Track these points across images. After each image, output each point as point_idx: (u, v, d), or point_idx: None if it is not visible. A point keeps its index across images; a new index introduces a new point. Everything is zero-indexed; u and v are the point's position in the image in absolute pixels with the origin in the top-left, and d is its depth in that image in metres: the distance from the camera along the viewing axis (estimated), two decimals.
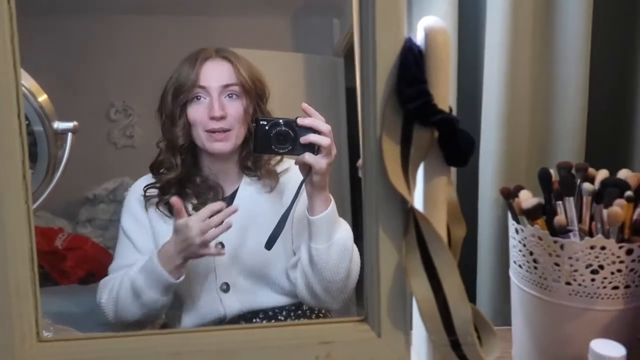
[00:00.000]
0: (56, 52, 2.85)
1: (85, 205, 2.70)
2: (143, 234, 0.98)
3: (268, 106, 1.03)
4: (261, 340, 0.45)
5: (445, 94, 0.47)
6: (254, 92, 0.98)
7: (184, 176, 0.96)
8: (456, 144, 0.45)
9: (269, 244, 0.85)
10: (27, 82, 0.66)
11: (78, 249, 2.20)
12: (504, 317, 0.81)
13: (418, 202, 0.47)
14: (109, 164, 2.97)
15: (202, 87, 0.95)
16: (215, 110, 0.93)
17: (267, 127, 0.85)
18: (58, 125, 0.64)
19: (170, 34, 3.13)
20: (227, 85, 0.96)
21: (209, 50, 0.99)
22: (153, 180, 1.00)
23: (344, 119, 3.46)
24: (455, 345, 0.44)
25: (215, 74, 0.95)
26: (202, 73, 0.95)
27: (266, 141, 0.85)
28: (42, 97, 0.66)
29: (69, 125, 0.64)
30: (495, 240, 0.83)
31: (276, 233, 0.86)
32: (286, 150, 0.85)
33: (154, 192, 0.98)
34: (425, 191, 0.48)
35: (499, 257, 0.83)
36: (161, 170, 0.98)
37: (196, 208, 0.96)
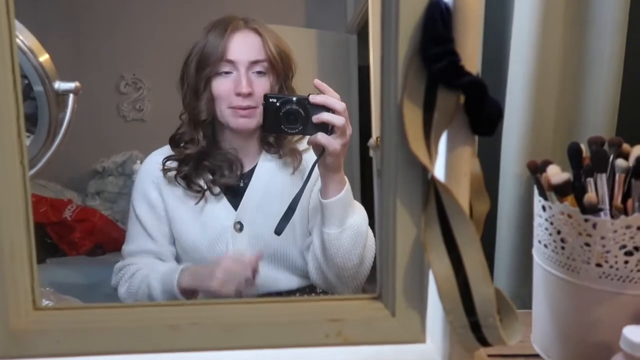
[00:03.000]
0: (65, 23, 2.82)
1: (94, 177, 2.70)
2: (156, 220, 0.95)
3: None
4: (267, 316, 0.43)
5: (473, 56, 0.43)
6: (281, 68, 0.93)
7: (204, 150, 0.93)
8: (484, 110, 0.42)
9: (279, 230, 0.82)
10: (29, 40, 0.63)
11: (87, 221, 2.21)
12: (522, 299, 0.78)
13: (439, 174, 0.44)
14: (118, 137, 2.96)
15: (230, 62, 0.90)
16: (243, 87, 0.88)
17: (277, 105, 0.80)
18: (59, 85, 0.61)
19: (182, 6, 3.07)
20: (255, 62, 0.91)
21: (237, 19, 0.94)
22: (170, 153, 0.97)
23: (355, 98, 3.41)
24: (475, 326, 0.41)
25: (244, 48, 0.90)
26: (230, 46, 0.90)
27: (276, 120, 0.80)
28: (44, 57, 0.62)
29: (71, 85, 0.60)
30: (516, 218, 0.79)
31: (286, 219, 0.82)
32: (297, 129, 0.81)
33: (172, 164, 0.95)
34: (447, 162, 0.44)
35: (520, 237, 0.79)
36: (181, 144, 0.95)
37: (213, 182, 0.93)
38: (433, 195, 0.42)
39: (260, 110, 0.91)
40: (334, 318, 0.43)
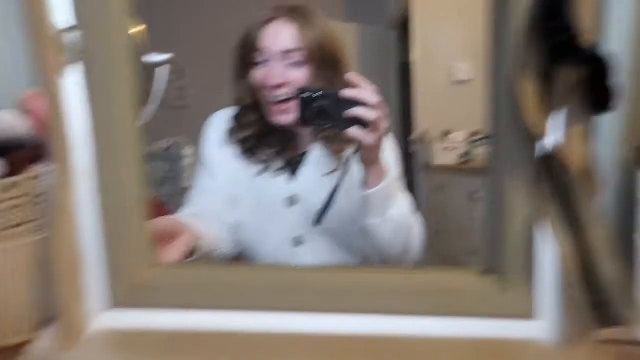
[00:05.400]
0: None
1: None
2: (221, 164, 0.95)
3: None
4: (380, 284, 0.43)
5: (594, 29, 0.42)
6: (321, 58, 0.89)
7: (263, 128, 0.93)
8: (607, 87, 0.41)
9: (317, 220, 0.82)
10: None
11: None
12: None
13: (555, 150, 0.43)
14: (163, 123, 3.02)
15: (262, 51, 0.88)
16: (271, 77, 0.86)
17: (309, 99, 0.80)
18: (151, 57, 0.62)
19: None
20: (288, 51, 0.88)
21: (281, 8, 0.93)
22: (233, 116, 0.97)
23: (395, 93, 3.38)
24: (597, 304, 0.40)
25: (276, 38, 0.87)
26: (263, 35, 0.87)
27: (309, 114, 0.80)
28: (138, 28, 0.64)
29: (163, 57, 0.62)
30: (615, 204, 0.77)
31: (325, 209, 0.82)
32: (330, 124, 0.80)
33: (237, 135, 0.94)
34: (563, 140, 0.43)
35: (619, 223, 0.77)
36: (240, 122, 0.96)
37: (274, 155, 0.94)
38: (549, 173, 0.42)
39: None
40: (444, 289, 0.43)
